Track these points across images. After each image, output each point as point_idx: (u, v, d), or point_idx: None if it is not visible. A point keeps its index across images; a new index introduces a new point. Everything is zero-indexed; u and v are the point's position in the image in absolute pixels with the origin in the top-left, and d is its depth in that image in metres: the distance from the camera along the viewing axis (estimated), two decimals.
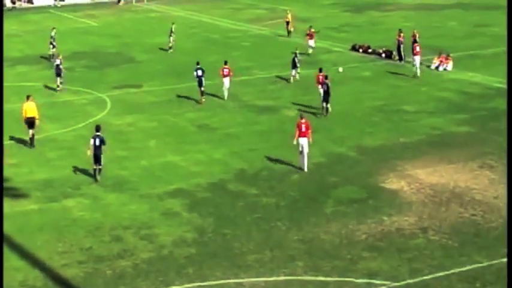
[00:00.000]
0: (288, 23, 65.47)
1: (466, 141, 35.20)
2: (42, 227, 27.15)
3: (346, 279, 22.49)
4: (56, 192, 30.52)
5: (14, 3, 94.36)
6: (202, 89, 43.53)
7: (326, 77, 40.31)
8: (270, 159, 33.41)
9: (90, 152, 31.29)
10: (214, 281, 22.74)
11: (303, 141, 31.54)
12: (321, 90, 40.64)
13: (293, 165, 32.23)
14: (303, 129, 31.57)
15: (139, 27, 75.16)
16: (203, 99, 43.60)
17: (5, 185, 30.94)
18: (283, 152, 33.71)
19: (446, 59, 50.25)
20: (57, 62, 48.80)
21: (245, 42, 63.87)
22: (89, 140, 31.56)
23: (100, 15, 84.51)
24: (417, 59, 48.26)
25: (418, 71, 48.04)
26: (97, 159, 31.34)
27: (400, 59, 52.52)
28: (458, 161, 32.34)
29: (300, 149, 31.67)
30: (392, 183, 30.07)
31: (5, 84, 48.56)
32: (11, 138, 37.55)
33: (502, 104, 39.45)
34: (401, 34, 52.64)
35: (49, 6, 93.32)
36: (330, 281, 22.40)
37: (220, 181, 31.13)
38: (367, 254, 24.02)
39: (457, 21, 69.59)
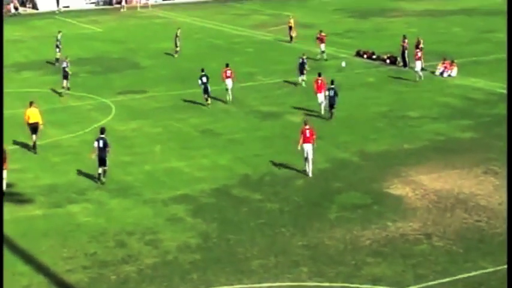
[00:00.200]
0: (290, 28, 65.52)
1: (470, 147, 35.19)
2: (47, 232, 27.17)
3: (351, 285, 22.47)
4: (60, 198, 30.55)
5: (16, 9, 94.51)
6: (207, 96, 43.71)
7: (332, 82, 40.38)
8: (274, 164, 33.41)
9: (94, 156, 31.40)
10: (218, 286, 22.74)
11: (308, 147, 31.55)
12: (320, 96, 40.84)
13: (297, 171, 32.22)
14: (307, 135, 31.59)
15: (143, 33, 75.22)
16: (209, 103, 43.77)
17: (10, 190, 31.01)
18: (287, 158, 33.71)
19: (451, 65, 50.25)
20: (64, 64, 48.91)
21: (249, 48, 63.91)
22: (93, 143, 31.74)
23: (104, 21, 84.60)
24: (418, 64, 48.42)
25: (418, 75, 48.13)
26: (102, 161, 31.47)
27: (405, 65, 52.52)
28: (462, 166, 32.32)
29: (305, 155, 31.68)
30: (397, 189, 30.05)
31: (10, 89, 48.83)
32: (15, 142, 37.55)
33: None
34: (406, 40, 52.65)
35: (53, 12, 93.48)
36: (335, 287, 22.38)
37: (224, 186, 31.14)
38: (372, 259, 24.00)
39: (461, 27, 69.61)
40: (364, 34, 68.39)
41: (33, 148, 36.47)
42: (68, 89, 48.82)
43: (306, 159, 31.71)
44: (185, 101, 45.73)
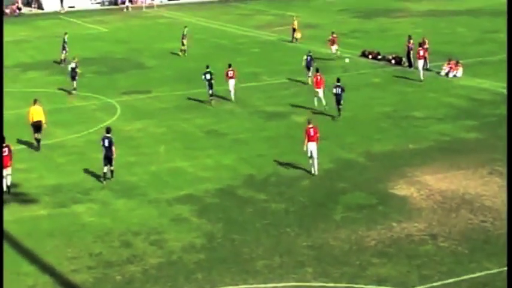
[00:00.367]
0: (294, 29, 65.45)
1: (475, 147, 35.14)
2: (52, 232, 27.19)
3: (356, 285, 22.45)
4: (65, 198, 30.57)
5: (20, 9, 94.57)
6: (211, 92, 43.79)
7: (338, 80, 40.54)
8: (279, 164, 33.40)
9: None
10: (223, 286, 22.74)
11: (312, 146, 31.55)
12: (320, 91, 41.30)
13: (302, 171, 32.21)
14: (311, 134, 31.60)
15: (148, 33, 75.27)
16: (213, 102, 43.80)
17: (15, 190, 31.06)
18: (292, 158, 33.70)
19: (456, 65, 50.17)
20: (73, 65, 48.90)
21: (254, 48, 63.90)
22: (100, 141, 31.94)
23: (109, 21, 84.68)
24: (420, 63, 48.42)
25: (421, 74, 48.10)
26: (108, 160, 31.52)
27: (410, 65, 52.43)
28: (467, 167, 32.27)
29: (309, 154, 31.67)
30: (402, 189, 30.02)
31: (16, 89, 48.92)
32: (20, 142, 37.59)
33: None
34: (411, 40, 52.57)
35: (58, 13, 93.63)
36: (339, 287, 22.35)
37: (229, 187, 31.14)
38: (377, 260, 23.98)
39: (466, 28, 69.51)
40: (369, 34, 68.35)
41: (37, 143, 36.52)
42: (74, 89, 48.85)
43: (311, 157, 31.70)
44: (190, 101, 45.75)
